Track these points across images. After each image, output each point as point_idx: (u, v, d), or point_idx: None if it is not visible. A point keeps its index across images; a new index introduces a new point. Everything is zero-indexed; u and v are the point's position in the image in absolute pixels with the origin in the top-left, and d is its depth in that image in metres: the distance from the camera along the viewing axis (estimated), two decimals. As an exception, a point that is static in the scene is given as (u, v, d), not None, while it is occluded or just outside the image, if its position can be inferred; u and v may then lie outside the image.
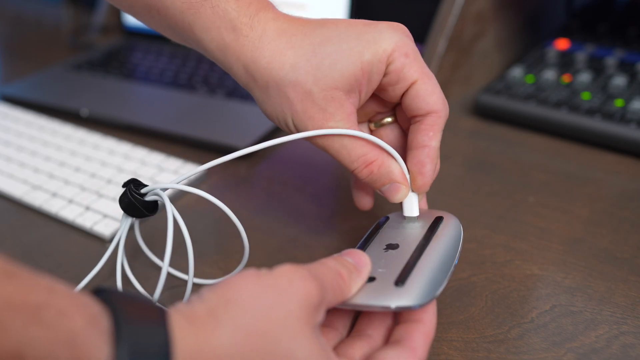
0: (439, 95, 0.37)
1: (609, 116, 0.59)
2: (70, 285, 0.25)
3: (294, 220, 0.51)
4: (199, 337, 0.26)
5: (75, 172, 0.57)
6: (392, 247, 0.37)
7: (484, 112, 0.66)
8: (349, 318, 0.35)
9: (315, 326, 0.29)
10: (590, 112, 0.60)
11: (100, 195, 0.53)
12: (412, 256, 0.35)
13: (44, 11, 1.16)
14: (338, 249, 0.47)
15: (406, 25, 0.38)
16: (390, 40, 0.36)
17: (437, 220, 0.39)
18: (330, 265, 0.31)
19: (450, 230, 0.38)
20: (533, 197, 0.52)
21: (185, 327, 0.26)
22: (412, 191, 0.39)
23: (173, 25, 0.40)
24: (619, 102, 0.60)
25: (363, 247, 0.38)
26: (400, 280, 0.33)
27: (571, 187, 0.54)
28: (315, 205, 0.52)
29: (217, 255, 0.47)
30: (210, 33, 0.38)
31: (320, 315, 0.29)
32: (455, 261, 0.36)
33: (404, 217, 0.40)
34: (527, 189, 0.53)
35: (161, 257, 0.43)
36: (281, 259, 0.43)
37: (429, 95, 0.37)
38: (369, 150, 0.37)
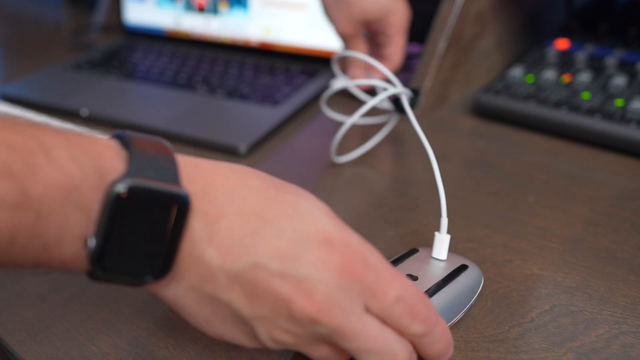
0: None
1: (609, 116, 0.59)
2: None
3: (294, 220, 0.50)
4: (206, 172, 0.31)
5: (75, 172, 0.57)
6: (410, 277, 0.38)
7: (484, 112, 0.66)
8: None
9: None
10: (590, 112, 0.60)
11: (100, 195, 0.53)
12: (425, 292, 0.36)
13: (44, 11, 1.16)
14: (338, 249, 0.47)
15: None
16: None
17: (461, 268, 0.39)
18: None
19: (470, 280, 0.39)
20: (533, 197, 0.52)
21: (196, 163, 0.32)
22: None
23: None
24: (619, 102, 0.60)
25: None
26: None
27: (571, 187, 0.54)
28: (315, 205, 0.52)
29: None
30: None
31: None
32: (466, 309, 0.37)
33: (432, 257, 0.41)
34: (527, 189, 0.53)
35: None
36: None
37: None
38: None
